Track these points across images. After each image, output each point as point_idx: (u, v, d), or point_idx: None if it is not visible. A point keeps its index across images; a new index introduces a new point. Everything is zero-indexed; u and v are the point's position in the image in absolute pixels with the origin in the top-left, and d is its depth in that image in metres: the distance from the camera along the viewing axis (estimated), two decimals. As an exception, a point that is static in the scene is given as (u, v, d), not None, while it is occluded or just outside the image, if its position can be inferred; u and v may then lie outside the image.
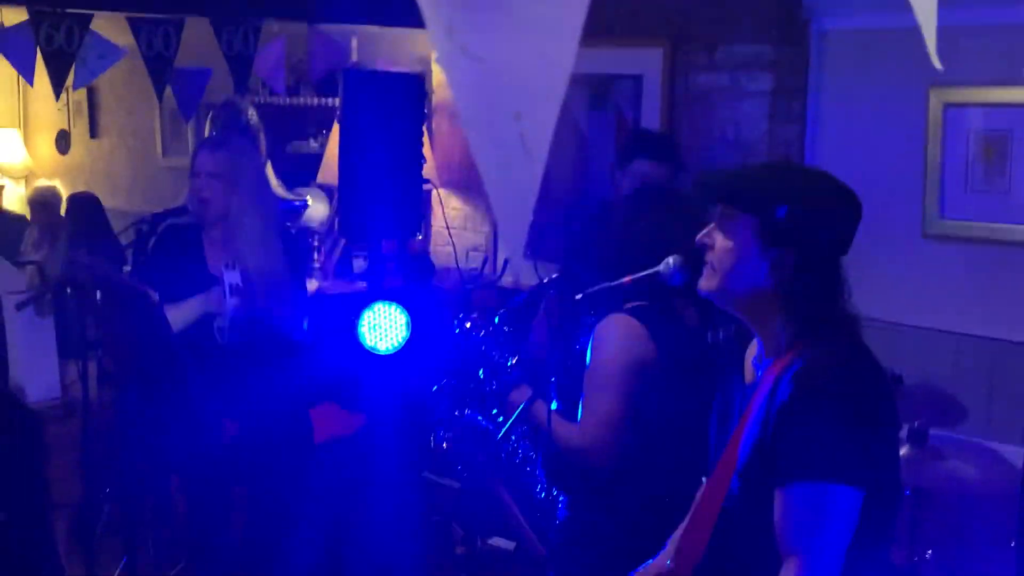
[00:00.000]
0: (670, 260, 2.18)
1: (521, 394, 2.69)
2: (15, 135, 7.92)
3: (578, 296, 2.20)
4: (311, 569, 3.82)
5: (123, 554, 3.68)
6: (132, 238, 3.30)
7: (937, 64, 1.13)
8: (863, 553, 1.84)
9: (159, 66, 3.81)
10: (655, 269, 2.20)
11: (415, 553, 4.47)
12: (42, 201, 6.34)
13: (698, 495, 2.04)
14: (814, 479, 1.78)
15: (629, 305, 2.50)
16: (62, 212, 6.33)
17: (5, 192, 7.64)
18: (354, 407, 4.66)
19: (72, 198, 6.22)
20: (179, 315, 3.22)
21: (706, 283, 1.97)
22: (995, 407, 3.52)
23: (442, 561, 4.50)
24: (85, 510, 3.55)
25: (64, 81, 3.64)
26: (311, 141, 5.65)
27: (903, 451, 2.68)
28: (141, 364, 3.13)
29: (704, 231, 1.97)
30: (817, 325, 1.88)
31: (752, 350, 2.03)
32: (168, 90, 4.02)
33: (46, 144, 7.94)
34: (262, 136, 4.88)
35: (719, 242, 1.94)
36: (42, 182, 7.60)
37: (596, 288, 2.23)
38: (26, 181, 7.86)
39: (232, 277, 3.27)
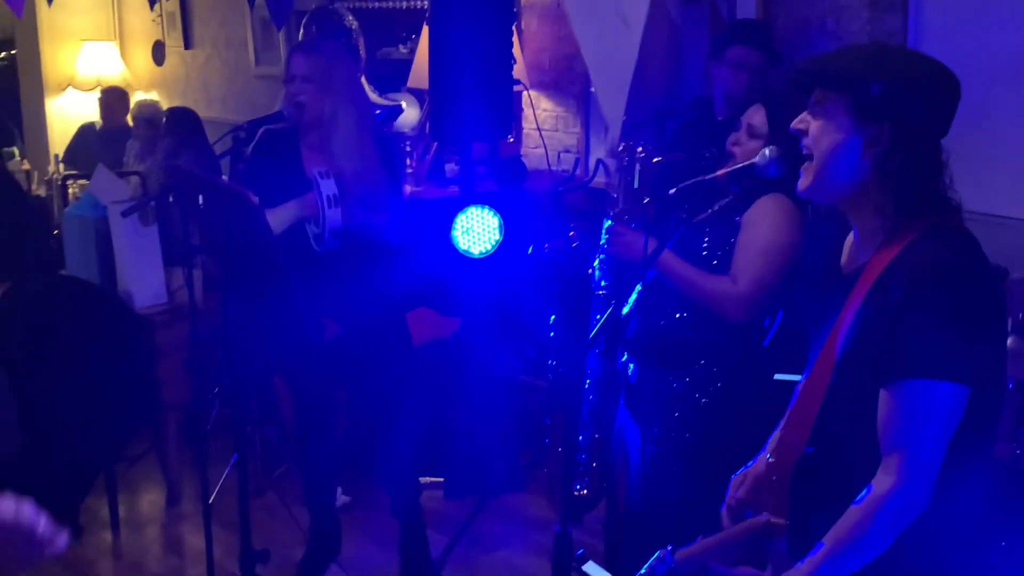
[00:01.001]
0: (766, 151, 2.14)
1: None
2: (112, 48, 8.05)
3: (672, 190, 2.17)
4: (410, 468, 3.91)
5: (232, 452, 3.80)
6: (229, 145, 3.32)
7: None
8: (965, 448, 1.82)
9: (250, -28, 3.80)
10: (751, 161, 2.16)
11: (509, 452, 4.56)
12: (145, 116, 6.46)
13: (797, 387, 2.02)
14: (922, 376, 1.76)
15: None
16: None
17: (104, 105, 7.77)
18: (449, 311, 4.72)
19: (171, 111, 6.33)
20: (277, 219, 3.26)
21: (804, 180, 1.93)
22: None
23: (534, 459, 4.58)
24: (194, 411, 3.66)
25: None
26: (400, 47, 5.64)
27: (1008, 343, 2.63)
28: (243, 266, 3.19)
29: (798, 118, 1.93)
30: (919, 211, 1.83)
31: (850, 238, 1.99)
32: (259, -2, 4.02)
33: (142, 56, 8.06)
34: (361, 41, 4.87)
35: (813, 126, 1.90)
36: (143, 95, 7.75)
37: (690, 182, 2.20)
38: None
39: (328, 187, 3.29)
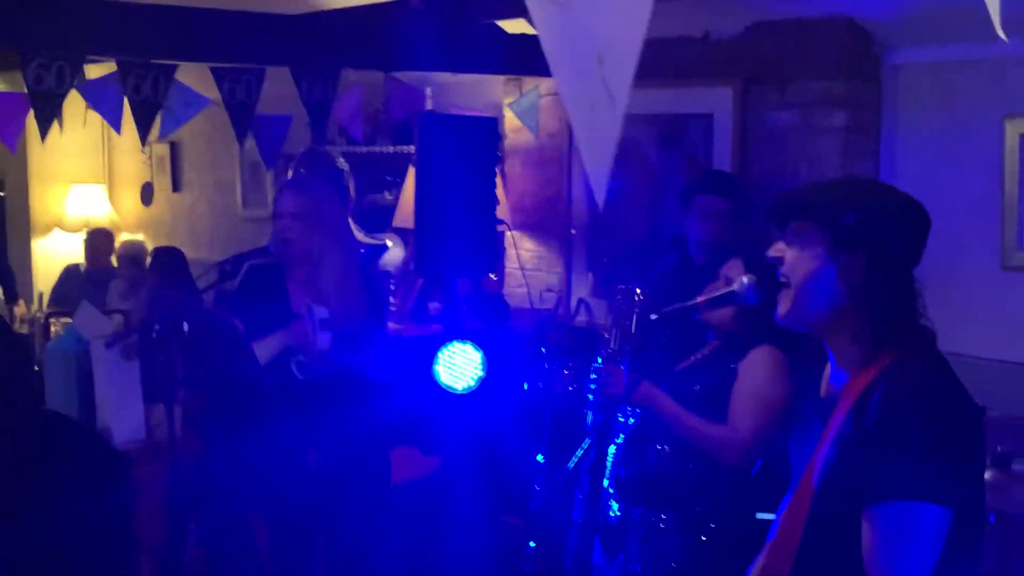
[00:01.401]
0: (744, 279, 2.20)
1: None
2: (101, 191, 8.18)
3: (653, 316, 2.22)
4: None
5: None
6: (214, 279, 3.37)
7: (1002, 35, 1.15)
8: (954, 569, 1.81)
9: (241, 114, 3.93)
10: (730, 288, 2.22)
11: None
12: (129, 255, 6.53)
13: (778, 515, 2.02)
14: (904, 498, 1.76)
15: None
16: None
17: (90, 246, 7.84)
18: (430, 449, 4.70)
19: (156, 251, 6.39)
20: (263, 350, 3.29)
21: (782, 307, 1.98)
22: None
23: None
24: (170, 549, 3.60)
25: (150, 129, 3.78)
26: (386, 194, 5.75)
27: (988, 476, 2.64)
28: (227, 396, 3.20)
29: (773, 247, 1.99)
30: (895, 337, 1.87)
31: (827, 369, 2.03)
32: (250, 139, 4.14)
33: (130, 198, 8.18)
34: (351, 181, 4.98)
35: (789, 255, 1.95)
36: (129, 237, 7.83)
37: (671, 308, 2.24)
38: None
39: (321, 312, 3.33)
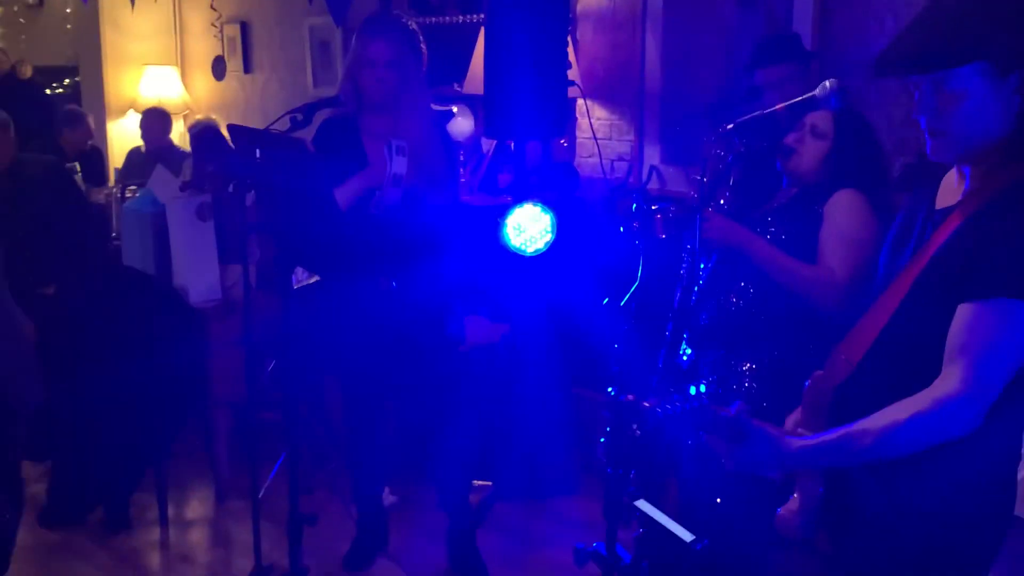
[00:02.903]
0: (827, 83, 2.12)
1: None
2: (173, 73, 8.21)
3: (728, 125, 2.15)
4: (460, 466, 3.88)
5: (281, 449, 3.79)
6: (287, 127, 3.34)
7: None
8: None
9: (310, -31, 3.86)
10: (811, 94, 2.14)
11: (562, 456, 4.50)
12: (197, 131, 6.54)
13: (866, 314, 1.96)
14: (1013, 295, 1.71)
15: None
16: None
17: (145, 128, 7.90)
18: (499, 316, 4.70)
19: (229, 128, 6.41)
20: (343, 195, 3.27)
21: (940, 154, 1.86)
22: None
23: (587, 463, 4.52)
24: (247, 407, 3.67)
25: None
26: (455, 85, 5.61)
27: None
28: (306, 250, 3.19)
29: (916, 100, 1.85)
30: None
31: (948, 179, 1.94)
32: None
33: (203, 80, 8.21)
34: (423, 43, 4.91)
35: (937, 103, 1.82)
36: (200, 117, 7.87)
37: (748, 116, 2.18)
38: (184, 119, 8.14)
39: (399, 165, 3.31)
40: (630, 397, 2.69)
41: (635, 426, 3.01)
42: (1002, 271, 1.72)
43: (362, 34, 3.49)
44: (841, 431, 1.80)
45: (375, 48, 3.44)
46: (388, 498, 4.29)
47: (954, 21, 1.81)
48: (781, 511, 1.95)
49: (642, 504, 1.82)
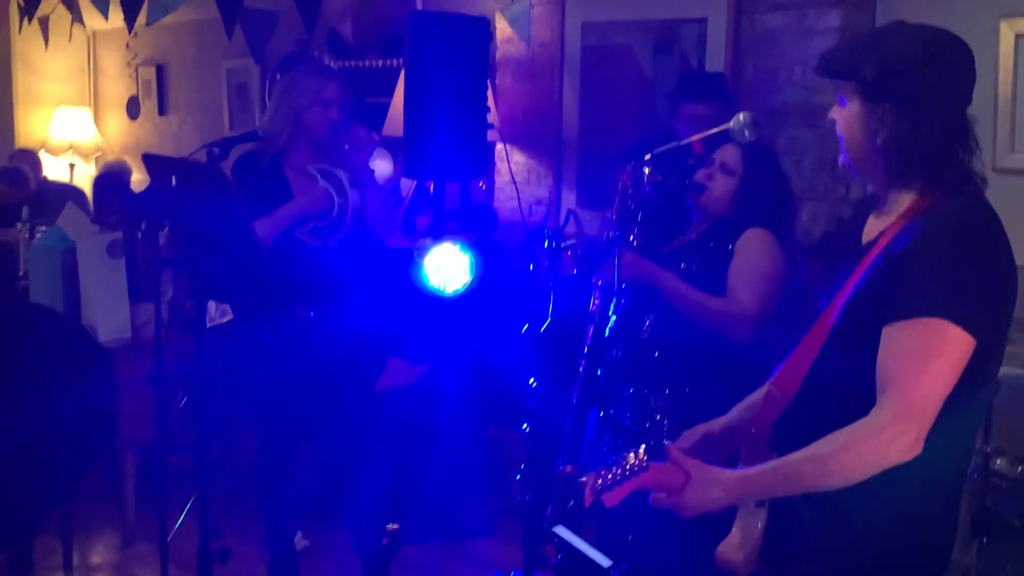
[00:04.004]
0: (740, 116, 2.17)
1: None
2: (86, 114, 8.10)
3: (647, 156, 2.19)
4: (375, 509, 3.83)
5: (191, 492, 3.71)
6: (203, 160, 3.31)
7: None
8: (960, 410, 1.78)
9: (230, 6, 3.86)
10: (726, 126, 2.19)
11: (478, 497, 4.47)
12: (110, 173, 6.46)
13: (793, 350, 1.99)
14: (934, 315, 1.73)
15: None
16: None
17: (76, 171, 7.80)
18: (417, 358, 4.67)
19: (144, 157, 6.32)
20: (266, 227, 3.25)
21: (842, 157, 2.00)
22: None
23: (503, 505, 4.49)
24: (155, 446, 3.59)
25: (137, 16, 3.72)
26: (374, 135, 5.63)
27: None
28: (220, 254, 3.14)
29: (832, 110, 2.00)
30: (938, 183, 1.84)
31: (871, 218, 1.99)
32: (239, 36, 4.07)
33: (116, 122, 8.10)
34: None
35: (838, 112, 1.97)
36: (112, 158, 7.75)
37: (663, 148, 2.22)
38: (96, 161, 8.02)
39: (354, 197, 3.36)
40: (567, 469, 2.74)
41: (571, 502, 3.03)
42: (917, 293, 1.75)
43: (317, 75, 3.54)
44: (781, 460, 1.82)
45: (332, 89, 3.50)
46: (300, 542, 4.21)
47: (853, 42, 2.06)
48: (721, 548, 1.95)
49: (560, 530, 1.80)
